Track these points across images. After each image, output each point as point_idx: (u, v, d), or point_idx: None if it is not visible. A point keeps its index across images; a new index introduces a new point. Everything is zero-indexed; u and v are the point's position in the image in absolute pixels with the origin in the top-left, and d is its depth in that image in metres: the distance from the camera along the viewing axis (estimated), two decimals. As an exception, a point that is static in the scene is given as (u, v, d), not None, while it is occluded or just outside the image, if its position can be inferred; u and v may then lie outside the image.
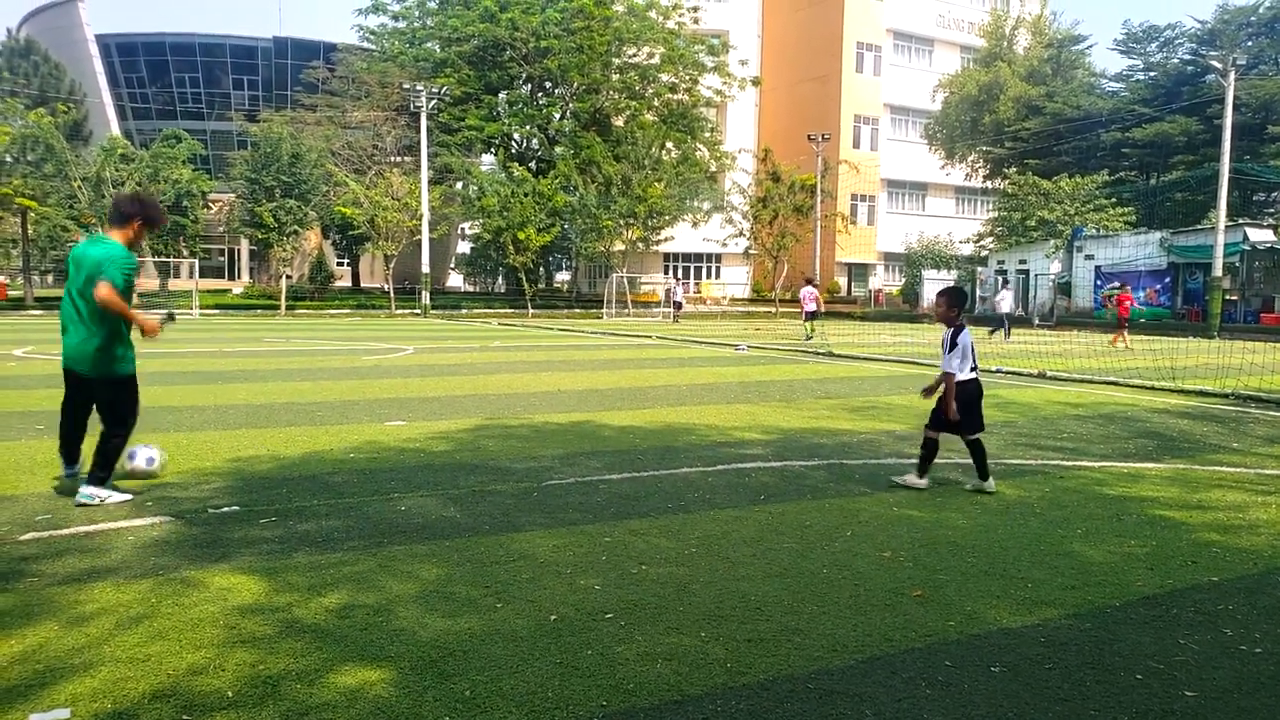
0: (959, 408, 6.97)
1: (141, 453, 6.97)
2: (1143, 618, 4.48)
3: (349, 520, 5.94)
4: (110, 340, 6.10)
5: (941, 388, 7.06)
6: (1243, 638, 4.25)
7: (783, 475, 7.60)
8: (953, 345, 7.03)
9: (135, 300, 6.06)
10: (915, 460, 7.35)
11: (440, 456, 8.15)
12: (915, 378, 16.20)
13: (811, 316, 29.52)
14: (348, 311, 45.49)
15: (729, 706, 3.44)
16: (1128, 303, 27.53)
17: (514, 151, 58.91)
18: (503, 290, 70.13)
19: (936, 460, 7.25)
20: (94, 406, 6.33)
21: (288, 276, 49.44)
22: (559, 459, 8.14)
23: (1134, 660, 3.96)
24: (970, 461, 7.16)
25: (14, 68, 56.16)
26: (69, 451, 6.52)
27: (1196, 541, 5.80)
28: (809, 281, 31.58)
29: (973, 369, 7.14)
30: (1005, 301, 31.65)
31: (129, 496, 6.33)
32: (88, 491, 6.17)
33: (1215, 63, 37.87)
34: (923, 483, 7.13)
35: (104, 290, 5.84)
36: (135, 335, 6.28)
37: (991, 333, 29.76)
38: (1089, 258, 43.71)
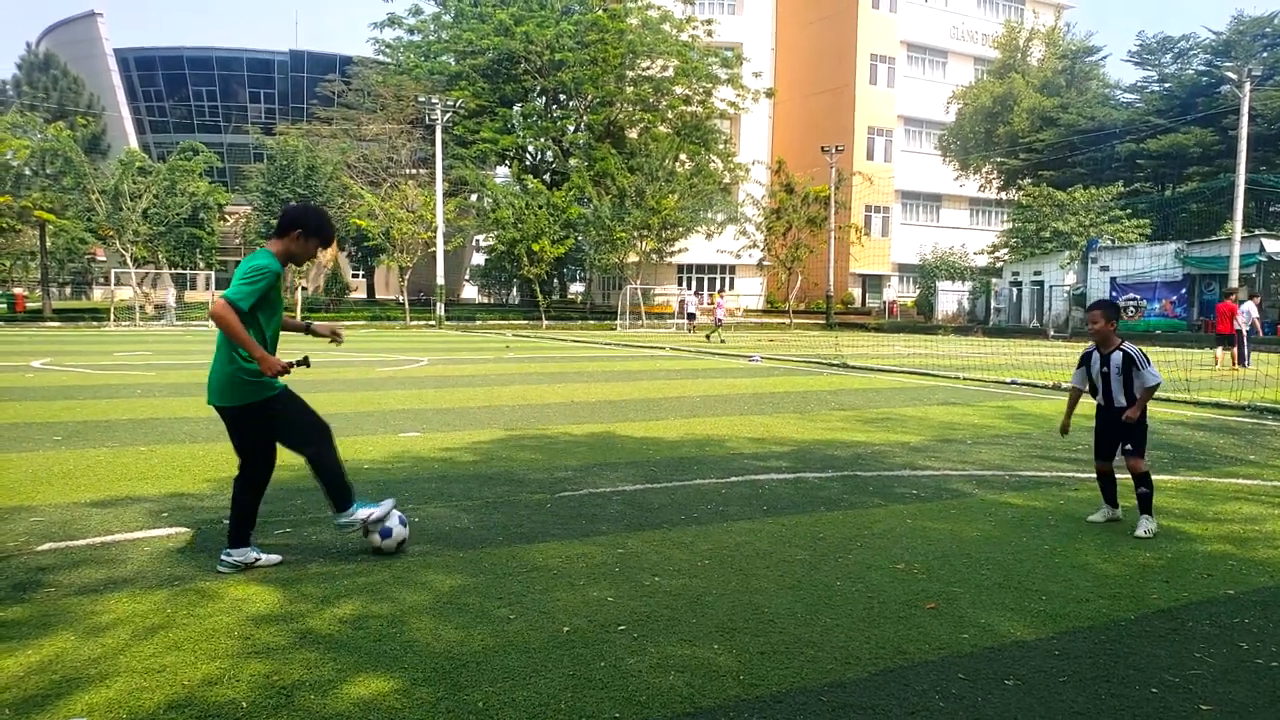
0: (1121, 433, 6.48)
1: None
2: (1158, 631, 4.45)
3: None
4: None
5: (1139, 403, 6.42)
6: (1259, 651, 4.21)
7: (796, 486, 7.59)
8: (1144, 362, 6.39)
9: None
10: (967, 476, 7.32)
11: (454, 467, 8.18)
12: (930, 389, 16.16)
13: (718, 324, 37.74)
14: (363, 323, 45.66)
15: (742, 719, 3.44)
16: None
17: (528, 164, 59.19)
18: (517, 302, 70.32)
19: (949, 472, 7.21)
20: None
21: (303, 288, 49.74)
22: (573, 470, 8.15)
23: (1149, 674, 3.93)
24: (973, 475, 7.10)
25: (34, 81, 56.86)
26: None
27: (1212, 554, 5.76)
28: (721, 294, 41.43)
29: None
30: (1245, 316, 23.11)
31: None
32: None
33: (1230, 74, 37.78)
34: (1117, 512, 6.67)
35: (216, 305, 4.91)
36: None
37: (1241, 360, 22.94)
38: (1104, 269, 43.51)
